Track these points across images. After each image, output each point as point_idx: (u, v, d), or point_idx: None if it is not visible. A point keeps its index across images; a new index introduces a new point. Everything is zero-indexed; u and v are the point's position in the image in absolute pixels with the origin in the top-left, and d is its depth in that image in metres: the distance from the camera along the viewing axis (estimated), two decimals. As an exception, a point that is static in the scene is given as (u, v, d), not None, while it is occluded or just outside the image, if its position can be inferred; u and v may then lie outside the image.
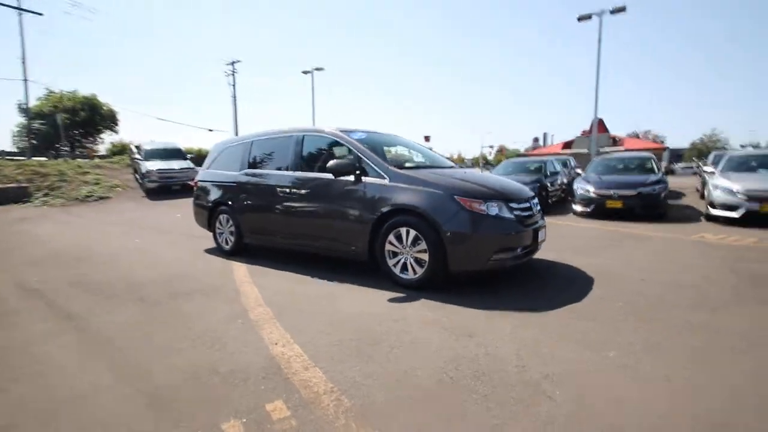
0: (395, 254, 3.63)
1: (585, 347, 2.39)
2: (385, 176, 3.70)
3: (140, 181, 14.23)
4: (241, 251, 5.14)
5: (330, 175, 4.02)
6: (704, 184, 10.25)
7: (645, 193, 7.45)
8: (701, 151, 39.54)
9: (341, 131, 4.26)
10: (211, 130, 32.41)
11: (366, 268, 4.16)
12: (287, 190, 4.39)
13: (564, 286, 3.63)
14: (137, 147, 15.35)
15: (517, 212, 3.52)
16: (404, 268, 3.58)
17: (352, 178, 3.87)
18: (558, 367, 2.15)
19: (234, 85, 32.72)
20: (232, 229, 5.12)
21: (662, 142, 41.54)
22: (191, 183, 14.04)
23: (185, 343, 2.57)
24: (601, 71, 14.58)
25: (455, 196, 3.36)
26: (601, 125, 32.16)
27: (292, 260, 4.77)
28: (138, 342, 2.63)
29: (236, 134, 33.14)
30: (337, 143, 4.26)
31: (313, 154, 4.45)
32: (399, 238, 3.57)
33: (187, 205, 12.11)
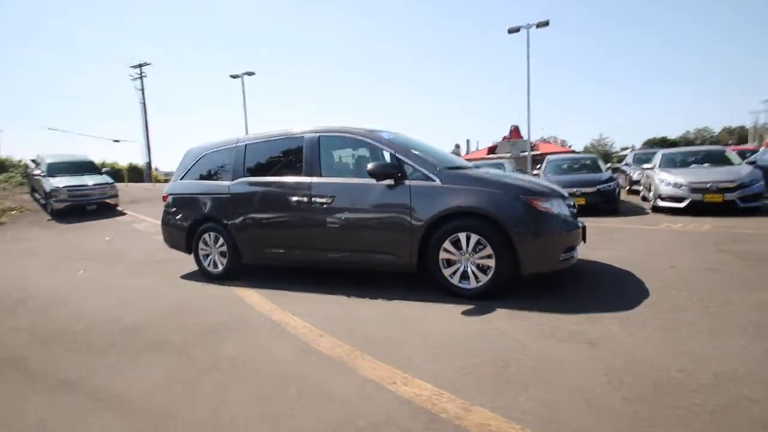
0: (450, 263, 3.33)
1: (712, 337, 2.36)
2: (435, 178, 3.39)
3: (43, 201, 11.86)
4: (235, 274, 4.40)
5: (364, 180, 3.60)
6: (632, 182, 11.59)
7: (603, 189, 8.12)
8: (599, 153, 45.28)
9: (366, 131, 3.85)
10: (117, 141, 28.40)
11: (388, 281, 3.81)
12: (307, 199, 3.83)
13: (609, 281, 3.65)
14: (35, 161, 12.80)
15: (570, 209, 3.47)
16: (463, 277, 3.30)
17: (391, 181, 3.49)
18: (721, 364, 2.05)
19: (143, 90, 29.36)
20: (223, 248, 4.35)
21: (570, 146, 46.80)
22: (110, 201, 12.27)
23: (280, 400, 1.99)
24: (511, 81, 15.86)
25: (521, 196, 3.19)
26: (516, 131, 35.26)
27: (298, 279, 4.20)
28: (217, 418, 1.97)
29: (147, 146, 29.77)
30: (363, 144, 3.84)
31: (335, 157, 3.96)
32: (456, 244, 3.28)
33: (112, 226, 10.47)
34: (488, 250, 3.17)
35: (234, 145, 4.49)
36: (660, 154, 9.18)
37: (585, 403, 1.79)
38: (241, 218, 4.21)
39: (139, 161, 30.34)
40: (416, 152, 3.60)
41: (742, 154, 10.66)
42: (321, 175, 3.86)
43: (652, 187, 8.16)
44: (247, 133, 17.80)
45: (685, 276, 3.61)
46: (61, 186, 11.26)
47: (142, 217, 11.00)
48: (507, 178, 3.44)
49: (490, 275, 3.19)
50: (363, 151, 3.89)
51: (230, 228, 4.27)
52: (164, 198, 4.93)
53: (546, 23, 14.78)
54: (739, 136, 53.23)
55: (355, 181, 3.72)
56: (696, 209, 7.21)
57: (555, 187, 3.62)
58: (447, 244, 3.30)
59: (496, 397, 1.88)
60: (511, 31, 15.39)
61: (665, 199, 7.61)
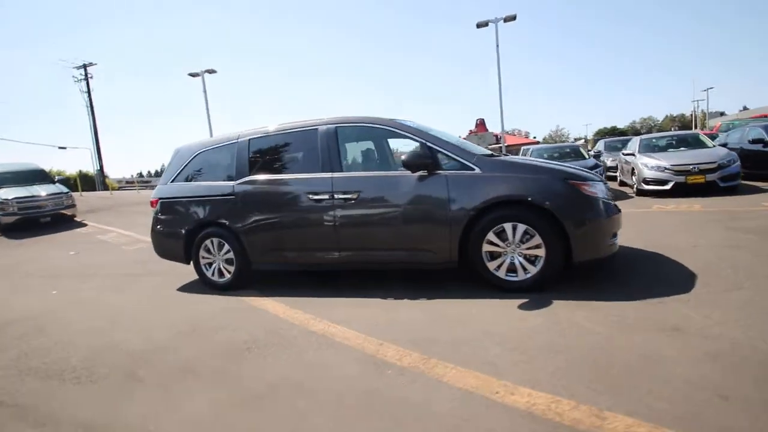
0: (494, 255, 3.14)
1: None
2: (474, 167, 3.18)
3: (-13, 216, 10.57)
4: (243, 283, 3.99)
5: (392, 172, 3.35)
6: (606, 168, 11.99)
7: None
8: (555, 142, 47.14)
9: (387, 119, 3.58)
10: (63, 148, 25.98)
11: (414, 278, 3.58)
12: (328, 196, 3.50)
13: (645, 264, 3.60)
14: (-26, 172, 11.38)
15: (609, 193, 3.37)
16: (509, 269, 3.12)
17: (425, 172, 3.25)
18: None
19: (89, 93, 27.21)
20: (230, 255, 3.93)
21: (535, 137, 48.43)
22: (67, 212, 11.17)
23: (371, 423, 1.70)
24: (476, 75, 16.05)
25: (568, 180, 3.05)
26: (482, 125, 35.96)
27: (312, 283, 3.90)
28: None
29: (97, 152, 27.73)
30: (387, 133, 3.57)
31: (357, 149, 3.65)
32: (501, 235, 3.09)
33: (73, 239, 9.49)
34: (537, 240, 3.00)
35: (234, 141, 4.06)
36: (637, 140, 9.50)
37: (715, 395, 1.65)
38: (250, 221, 3.81)
39: (89, 168, 28.18)
40: (449, 140, 3.37)
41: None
42: (342, 170, 3.55)
43: (636, 172, 8.41)
44: (211, 135, 16.86)
45: (714, 254, 3.62)
46: (9, 198, 10.09)
47: (107, 228, 10.06)
48: (549, 163, 3.30)
49: (539, 266, 3.03)
50: (386, 142, 3.61)
51: (237, 232, 3.85)
52: (152, 203, 4.40)
53: (513, 17, 15.01)
54: (681, 123, 57.28)
55: (383, 174, 3.45)
56: (681, 191, 7.50)
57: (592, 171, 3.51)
58: (491, 236, 3.11)
59: (618, 397, 1.69)
60: (479, 25, 15.51)
61: (650, 182, 7.86)
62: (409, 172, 3.30)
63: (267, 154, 3.94)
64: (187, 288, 4.30)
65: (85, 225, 10.80)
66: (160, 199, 4.33)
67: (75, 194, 13.57)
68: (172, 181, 4.34)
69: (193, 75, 19.52)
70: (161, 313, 3.55)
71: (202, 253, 4.09)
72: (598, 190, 3.13)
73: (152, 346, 2.80)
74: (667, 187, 7.57)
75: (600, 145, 13.85)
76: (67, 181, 12.58)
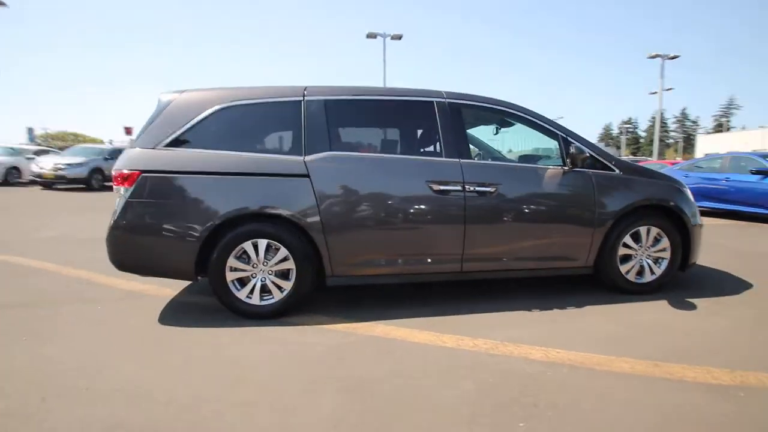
0: (625, 259, 3.09)
1: None
2: (614, 168, 3.07)
3: None
4: (293, 306, 2.74)
5: (534, 165, 2.93)
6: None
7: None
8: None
9: (512, 103, 3.11)
10: None
11: (518, 286, 3.30)
12: (460, 188, 2.76)
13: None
14: None
15: None
16: (638, 272, 3.12)
17: (569, 168, 2.95)
18: None
19: None
20: (287, 265, 2.64)
21: None
22: None
23: None
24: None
25: (680, 188, 3.26)
26: None
27: (395, 298, 3.06)
28: None
29: None
30: (520, 119, 3.09)
31: (464, 131, 2.97)
32: (636, 238, 3.07)
33: None
34: (665, 243, 3.11)
35: (297, 98, 2.79)
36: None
37: None
38: (337, 215, 2.67)
39: None
40: (582, 137, 3.16)
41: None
42: (470, 157, 2.88)
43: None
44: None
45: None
46: None
47: None
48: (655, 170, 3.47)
49: (663, 268, 3.14)
50: (515, 128, 3.11)
51: (310, 230, 2.63)
52: (125, 178, 2.58)
53: (399, 37, 15.80)
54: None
55: (528, 166, 2.97)
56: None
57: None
58: (627, 239, 3.05)
59: None
60: (369, 36, 15.69)
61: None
62: (554, 167, 2.94)
63: (356, 123, 2.88)
64: (178, 318, 2.68)
65: None
66: (146, 172, 2.57)
67: None
68: (166, 144, 2.65)
69: None
70: (280, 374, 2.07)
71: (232, 262, 2.61)
72: (690, 194, 3.46)
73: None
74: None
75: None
76: None
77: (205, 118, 2.70)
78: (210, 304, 2.82)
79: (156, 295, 3.08)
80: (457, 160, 2.82)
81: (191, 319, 2.67)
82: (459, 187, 2.77)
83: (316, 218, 2.64)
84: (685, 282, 3.40)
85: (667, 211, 3.11)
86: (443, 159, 2.82)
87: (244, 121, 2.80)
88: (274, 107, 2.80)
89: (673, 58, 20.03)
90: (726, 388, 1.83)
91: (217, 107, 2.72)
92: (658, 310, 2.84)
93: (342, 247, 2.69)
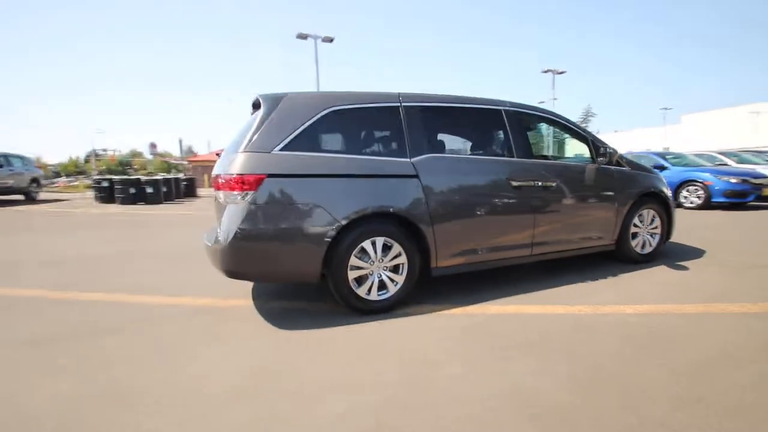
0: (634, 235, 3.95)
1: None
2: (625, 165, 3.89)
3: None
4: (404, 298, 2.96)
5: (576, 162, 3.59)
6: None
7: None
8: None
9: (557, 113, 3.75)
10: None
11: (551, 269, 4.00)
12: (533, 184, 3.27)
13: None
14: None
15: None
16: (642, 246, 4.01)
17: (600, 164, 3.68)
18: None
19: None
20: (400, 259, 2.85)
21: None
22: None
23: None
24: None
25: (662, 178, 4.24)
26: None
27: (473, 284, 3.49)
28: None
29: None
30: (557, 125, 3.72)
31: (532, 137, 3.53)
32: (641, 219, 3.95)
33: None
34: (658, 221, 4.05)
35: (395, 104, 3.01)
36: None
37: None
38: (442, 211, 2.96)
39: None
40: (603, 140, 3.92)
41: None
42: (533, 157, 3.42)
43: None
44: None
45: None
46: None
47: None
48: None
49: (656, 241, 4.08)
50: (557, 133, 3.72)
51: (421, 226, 2.89)
52: (245, 183, 2.52)
53: (331, 39, 15.89)
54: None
55: (574, 164, 3.61)
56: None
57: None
58: (636, 220, 3.91)
59: None
60: (299, 36, 15.47)
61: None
62: (589, 164, 3.63)
63: (444, 128, 3.20)
64: (293, 323, 2.71)
65: None
66: (272, 176, 2.55)
67: None
68: (282, 149, 2.65)
69: None
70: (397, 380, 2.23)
71: (353, 260, 2.74)
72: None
73: None
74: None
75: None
76: None
77: (317, 120, 2.76)
78: (295, 307, 2.95)
79: (224, 307, 3.01)
80: (527, 160, 3.33)
81: (300, 322, 2.70)
82: (531, 183, 3.28)
83: (426, 215, 2.90)
84: (665, 253, 4.42)
85: (657, 197, 4.06)
86: (516, 159, 3.30)
87: (352, 125, 2.92)
88: (376, 112, 2.97)
89: (561, 73, 23.98)
90: (756, 315, 2.63)
91: (328, 110, 2.80)
92: (666, 272, 3.71)
93: (446, 240, 2.99)
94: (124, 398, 1.81)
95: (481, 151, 3.46)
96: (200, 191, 22.61)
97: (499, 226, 3.23)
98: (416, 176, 2.90)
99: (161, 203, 14.83)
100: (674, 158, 9.82)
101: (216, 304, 3.07)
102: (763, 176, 8.56)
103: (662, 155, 9.63)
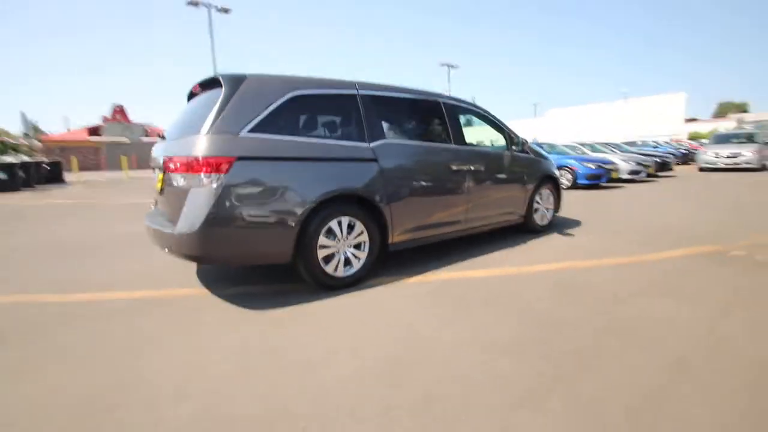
0: (536, 211, 4.81)
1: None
2: (530, 152, 4.67)
3: None
4: (366, 272, 3.26)
5: (498, 150, 4.21)
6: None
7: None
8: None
9: (482, 107, 4.30)
10: None
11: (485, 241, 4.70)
12: (466, 168, 3.78)
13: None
14: None
15: None
16: (542, 219, 4.89)
17: (514, 151, 4.39)
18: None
19: None
20: (362, 237, 3.14)
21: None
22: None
23: None
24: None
25: (552, 162, 5.17)
26: (123, 113, 29.58)
27: (416, 256, 3.95)
28: None
29: None
30: (480, 117, 4.27)
31: (461, 125, 4.00)
32: (540, 196, 4.81)
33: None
34: (552, 198, 4.98)
35: (352, 91, 3.18)
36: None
37: None
38: (398, 193, 3.28)
39: None
40: (516, 132, 4.62)
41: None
42: (465, 144, 3.93)
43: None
44: None
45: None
46: None
47: None
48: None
49: (550, 215, 5.02)
50: (480, 122, 4.25)
51: (381, 206, 3.18)
52: (213, 165, 2.47)
53: (228, 10, 14.63)
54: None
55: (497, 151, 4.20)
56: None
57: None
58: (537, 198, 4.76)
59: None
60: (190, 3, 13.90)
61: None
62: (506, 151, 4.30)
63: (395, 116, 3.48)
64: (266, 302, 2.81)
65: None
66: (243, 158, 2.54)
67: None
68: (250, 131, 2.65)
69: None
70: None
71: (322, 240, 2.91)
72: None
73: None
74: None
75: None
76: None
77: (282, 104, 2.80)
78: (258, 291, 3.03)
79: (185, 296, 2.94)
80: (462, 147, 3.83)
81: (275, 302, 2.79)
82: (465, 167, 3.79)
83: (384, 196, 3.18)
84: (554, 224, 5.43)
85: (552, 179, 4.98)
86: (454, 146, 3.77)
87: (315, 110, 3.02)
88: (337, 98, 3.11)
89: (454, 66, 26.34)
90: (630, 264, 3.55)
91: (292, 94, 2.85)
92: (559, 238, 4.62)
93: (400, 217, 3.33)
94: (139, 389, 1.76)
95: (426, 138, 3.84)
96: (68, 176, 19.22)
97: (442, 204, 3.69)
98: (375, 160, 3.15)
99: (18, 191, 12.34)
100: (549, 147, 11.71)
101: (173, 294, 2.93)
102: (612, 162, 10.83)
103: (539, 145, 11.39)
